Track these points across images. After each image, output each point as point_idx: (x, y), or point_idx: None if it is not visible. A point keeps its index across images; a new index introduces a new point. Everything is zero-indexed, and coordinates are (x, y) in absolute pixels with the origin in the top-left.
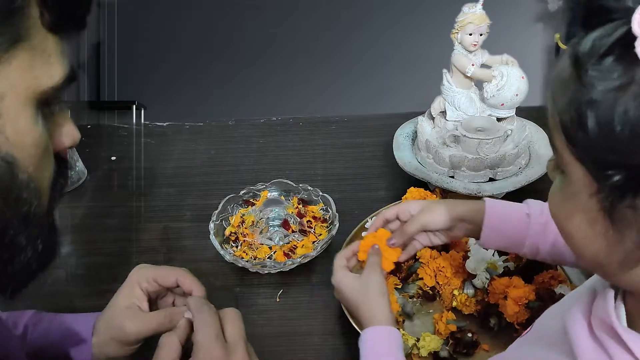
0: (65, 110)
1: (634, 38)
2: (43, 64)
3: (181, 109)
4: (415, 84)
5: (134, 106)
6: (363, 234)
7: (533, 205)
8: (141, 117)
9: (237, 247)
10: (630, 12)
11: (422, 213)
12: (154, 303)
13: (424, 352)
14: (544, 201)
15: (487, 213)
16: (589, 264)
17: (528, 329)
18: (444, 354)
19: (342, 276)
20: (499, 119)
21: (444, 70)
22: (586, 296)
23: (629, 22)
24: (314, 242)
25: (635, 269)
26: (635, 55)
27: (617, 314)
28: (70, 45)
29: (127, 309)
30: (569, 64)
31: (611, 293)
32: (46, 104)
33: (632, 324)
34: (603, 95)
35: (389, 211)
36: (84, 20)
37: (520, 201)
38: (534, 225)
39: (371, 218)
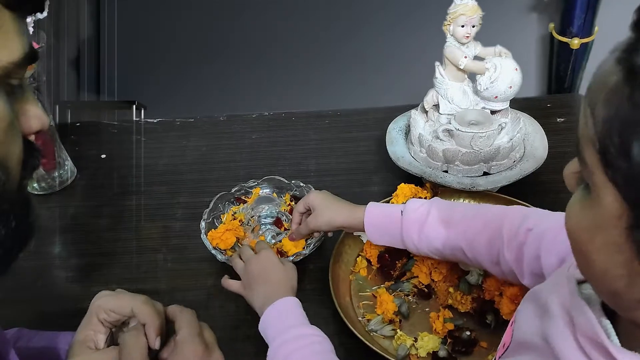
0: (30, 93)
1: None
2: (1, 39)
3: (181, 108)
4: (408, 77)
5: (134, 106)
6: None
7: (410, 204)
8: (141, 117)
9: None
10: None
11: (313, 218)
12: (119, 329)
13: (422, 352)
14: (537, 192)
15: (366, 216)
16: (603, 292)
17: (506, 345)
18: (442, 353)
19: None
20: (492, 112)
21: (437, 63)
22: (561, 305)
23: None
24: (306, 241)
25: None
26: None
27: (604, 328)
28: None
29: (80, 344)
30: (621, 74)
31: (586, 307)
32: (7, 81)
33: (624, 340)
34: None
35: (299, 205)
36: (42, 2)
37: (515, 195)
38: (406, 221)
39: None
